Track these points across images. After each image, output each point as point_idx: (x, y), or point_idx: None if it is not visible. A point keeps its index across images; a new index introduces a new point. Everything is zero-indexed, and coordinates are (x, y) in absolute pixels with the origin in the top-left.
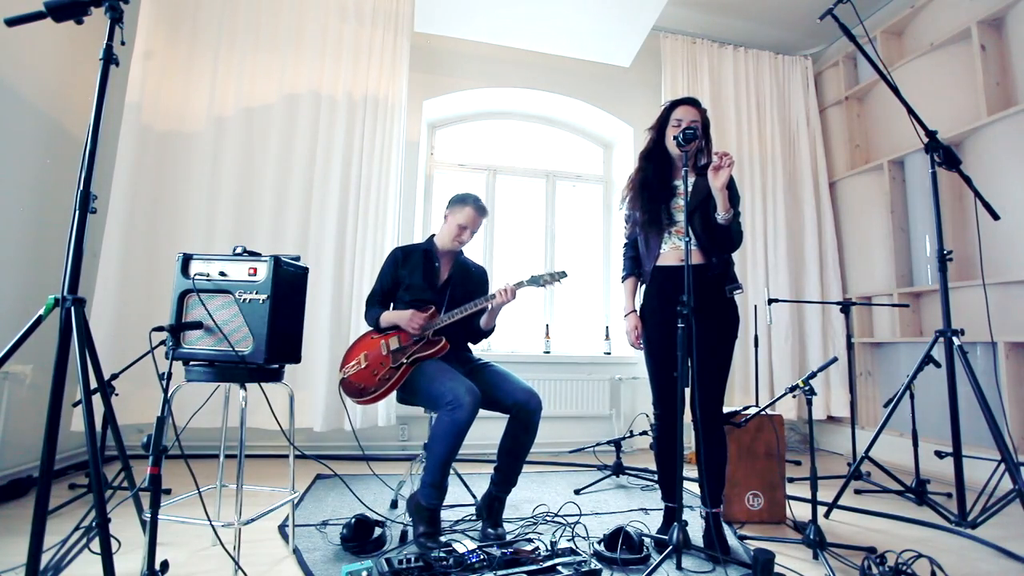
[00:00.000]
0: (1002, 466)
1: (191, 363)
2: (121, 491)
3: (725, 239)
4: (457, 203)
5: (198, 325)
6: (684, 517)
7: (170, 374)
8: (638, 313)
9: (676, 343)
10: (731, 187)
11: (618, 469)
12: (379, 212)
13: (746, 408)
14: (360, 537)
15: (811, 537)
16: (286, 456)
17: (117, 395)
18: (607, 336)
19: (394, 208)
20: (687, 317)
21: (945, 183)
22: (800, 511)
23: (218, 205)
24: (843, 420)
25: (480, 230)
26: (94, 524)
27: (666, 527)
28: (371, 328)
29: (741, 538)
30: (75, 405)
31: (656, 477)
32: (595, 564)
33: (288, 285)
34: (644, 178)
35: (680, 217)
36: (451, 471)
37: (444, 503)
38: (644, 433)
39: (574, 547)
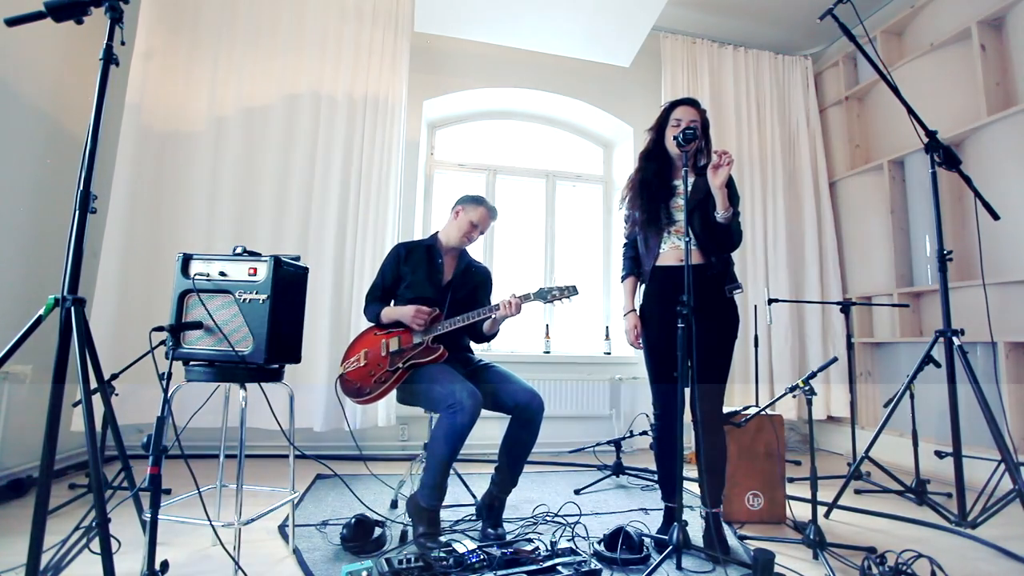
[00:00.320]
0: (1002, 466)
1: (191, 363)
2: (121, 491)
3: (725, 238)
4: (471, 202)
5: (198, 325)
6: (684, 517)
7: (170, 374)
8: (637, 313)
9: (676, 343)
10: (730, 186)
11: (618, 469)
12: (379, 212)
13: (746, 408)
14: (360, 537)
15: (811, 537)
16: (286, 456)
17: (117, 395)
18: (607, 336)
19: (394, 208)
20: (687, 317)
21: (945, 183)
22: (800, 511)
23: (218, 205)
24: (843, 420)
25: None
26: (94, 524)
27: (666, 527)
28: (372, 324)
29: (741, 538)
30: (75, 405)
31: (656, 477)
32: (595, 564)
33: (288, 285)
34: (644, 178)
35: (680, 217)
36: (451, 471)
37: (444, 503)
38: (644, 433)
39: (574, 547)
